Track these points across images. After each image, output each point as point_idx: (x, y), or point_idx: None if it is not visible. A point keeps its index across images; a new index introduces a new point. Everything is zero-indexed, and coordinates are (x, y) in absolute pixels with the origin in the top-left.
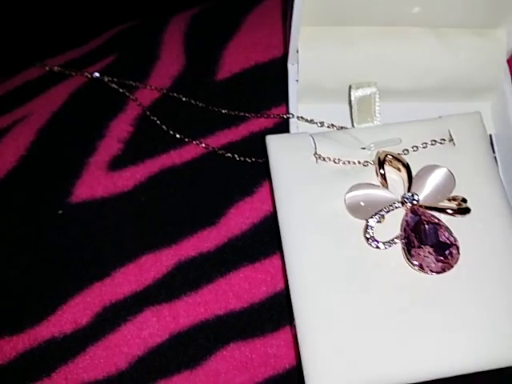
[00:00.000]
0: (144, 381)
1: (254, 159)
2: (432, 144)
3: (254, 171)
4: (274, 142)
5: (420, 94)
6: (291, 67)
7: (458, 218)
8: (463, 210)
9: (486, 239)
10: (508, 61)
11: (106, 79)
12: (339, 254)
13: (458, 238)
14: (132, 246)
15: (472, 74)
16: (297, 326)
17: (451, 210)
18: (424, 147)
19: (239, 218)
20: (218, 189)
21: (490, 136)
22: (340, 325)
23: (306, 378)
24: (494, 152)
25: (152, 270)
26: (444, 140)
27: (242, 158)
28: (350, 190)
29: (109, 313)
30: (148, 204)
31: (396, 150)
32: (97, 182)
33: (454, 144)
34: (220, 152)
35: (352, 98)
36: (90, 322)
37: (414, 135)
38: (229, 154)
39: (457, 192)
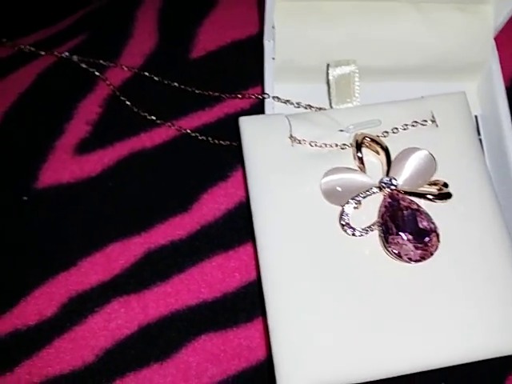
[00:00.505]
0: (112, 374)
1: (228, 142)
2: (413, 125)
3: (229, 155)
4: (247, 124)
5: (402, 73)
6: (267, 44)
7: (439, 203)
8: (444, 195)
9: (469, 225)
10: (495, 38)
11: (75, 58)
12: (313, 241)
13: (438, 225)
14: (99, 233)
15: (457, 52)
16: (268, 318)
17: (431, 195)
18: (404, 129)
19: (213, 204)
20: (190, 173)
21: (476, 117)
22: (313, 317)
23: (276, 373)
24: (479, 134)
25: (120, 259)
26: (426, 121)
27: (217, 141)
28: (326, 174)
29: (75, 304)
30: (116, 189)
31: (375, 132)
32: (63, 167)
33: (437, 125)
34: (193, 134)
35: (330, 77)
36: (55, 313)
37: (395, 116)
38: (203, 137)
39: (438, 176)
